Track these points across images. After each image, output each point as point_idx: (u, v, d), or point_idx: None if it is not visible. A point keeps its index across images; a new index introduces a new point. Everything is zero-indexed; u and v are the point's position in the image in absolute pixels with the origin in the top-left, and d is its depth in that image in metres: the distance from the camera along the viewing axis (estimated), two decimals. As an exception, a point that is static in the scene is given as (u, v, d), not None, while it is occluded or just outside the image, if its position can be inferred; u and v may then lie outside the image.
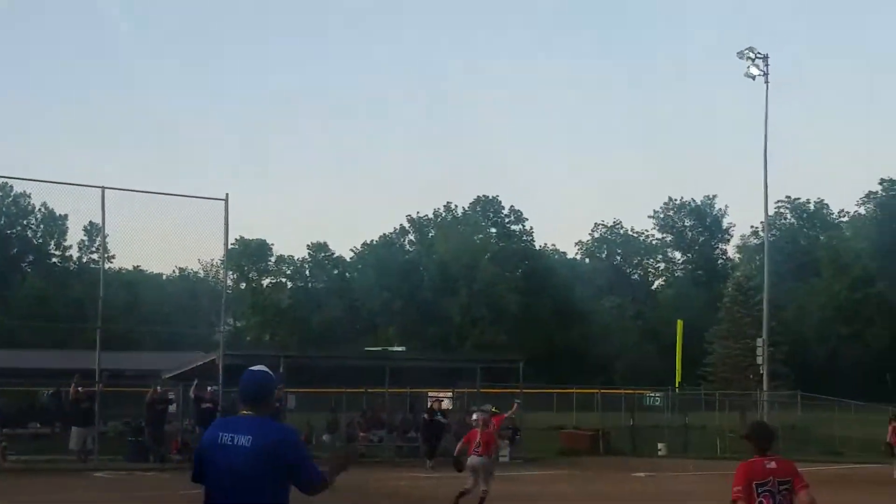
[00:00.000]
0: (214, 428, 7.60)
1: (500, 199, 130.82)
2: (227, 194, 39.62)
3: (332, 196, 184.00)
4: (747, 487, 10.14)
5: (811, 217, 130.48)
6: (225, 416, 39.90)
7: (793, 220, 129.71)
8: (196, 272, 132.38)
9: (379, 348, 77.05)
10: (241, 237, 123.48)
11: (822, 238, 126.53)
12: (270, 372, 7.69)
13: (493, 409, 36.20)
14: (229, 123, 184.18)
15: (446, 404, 50.07)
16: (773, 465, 10.26)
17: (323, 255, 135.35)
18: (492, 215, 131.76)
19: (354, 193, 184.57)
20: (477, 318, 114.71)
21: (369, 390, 50.46)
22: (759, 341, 73.25)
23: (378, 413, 48.88)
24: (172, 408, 42.83)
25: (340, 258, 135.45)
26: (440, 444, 40.05)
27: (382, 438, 47.29)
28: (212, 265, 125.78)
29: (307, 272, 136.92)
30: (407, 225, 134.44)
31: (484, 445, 23.07)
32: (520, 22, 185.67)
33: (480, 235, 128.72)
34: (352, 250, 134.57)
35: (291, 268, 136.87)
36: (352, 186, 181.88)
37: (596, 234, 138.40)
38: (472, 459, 23.06)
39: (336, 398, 50.80)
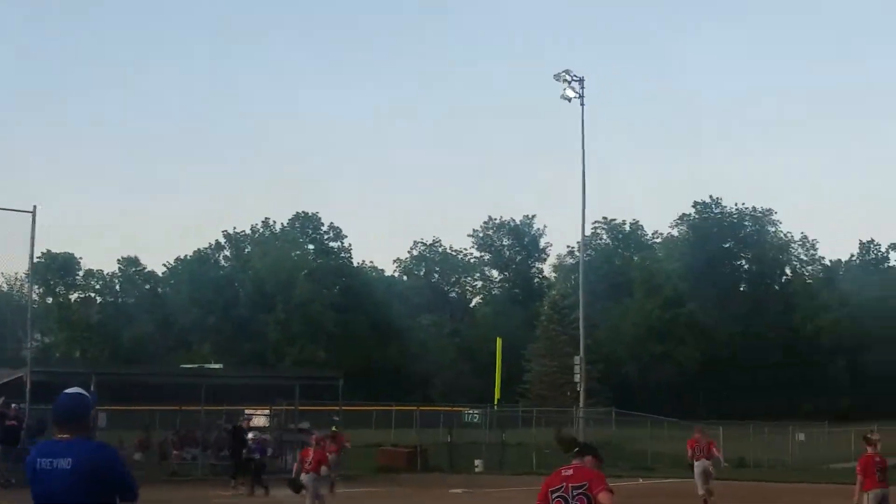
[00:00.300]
0: (33, 454, 7.55)
1: (319, 215, 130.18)
2: (34, 206, 38.57)
3: (143, 210, 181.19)
4: (545, 495, 10.69)
5: (626, 238, 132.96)
6: (30, 433, 39.14)
7: (608, 240, 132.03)
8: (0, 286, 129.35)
9: (195, 365, 75.81)
10: (48, 251, 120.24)
11: (635, 259, 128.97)
12: (86, 393, 7.65)
13: (334, 429, 37.32)
14: (36, 133, 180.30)
15: (261, 421, 49.48)
16: (569, 472, 10.75)
17: (134, 269, 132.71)
18: (310, 232, 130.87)
19: (167, 207, 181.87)
20: (294, 334, 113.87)
21: (183, 408, 49.68)
22: (577, 359, 74.33)
23: (192, 431, 48.06)
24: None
25: (152, 273, 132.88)
26: (249, 462, 39.81)
27: (196, 457, 46.53)
28: (16, 279, 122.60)
29: (117, 287, 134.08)
30: (223, 240, 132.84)
31: (315, 463, 24.29)
32: (341, 49, 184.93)
33: (298, 252, 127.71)
34: (164, 265, 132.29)
35: (101, 282, 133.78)
36: (165, 200, 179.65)
37: (414, 252, 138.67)
38: (304, 477, 24.49)
39: (149, 416, 49.90)
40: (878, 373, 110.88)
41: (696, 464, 31.60)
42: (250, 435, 43.48)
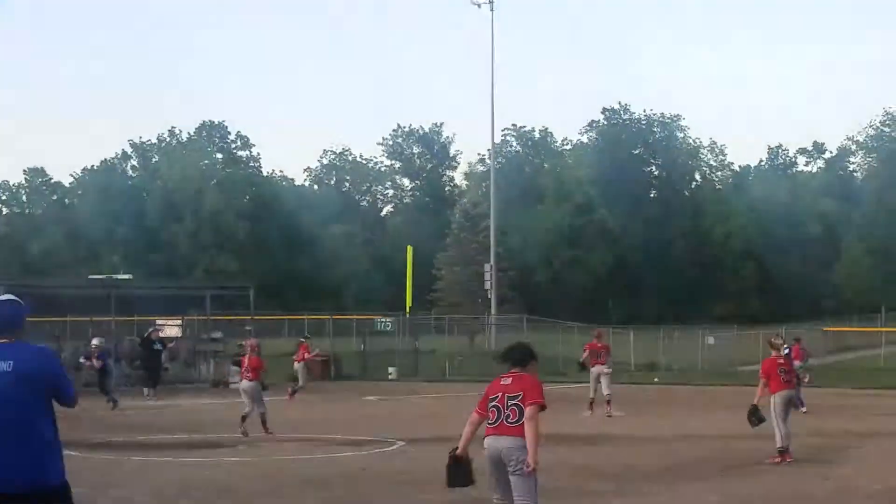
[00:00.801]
0: None
1: (226, 124, 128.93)
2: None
3: (47, 120, 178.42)
4: (484, 401, 10.57)
5: (536, 145, 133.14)
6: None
7: (519, 147, 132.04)
8: None
9: (104, 276, 75.13)
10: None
11: (546, 166, 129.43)
12: (18, 300, 7.93)
13: (305, 337, 39.07)
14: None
15: (174, 331, 49.47)
16: (508, 381, 10.54)
17: (40, 180, 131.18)
18: (218, 141, 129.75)
19: (71, 117, 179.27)
20: (204, 245, 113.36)
21: (94, 319, 49.48)
22: (487, 266, 74.82)
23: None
24: None
25: (59, 184, 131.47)
26: (160, 372, 39.78)
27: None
28: None
29: (24, 198, 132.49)
30: (129, 150, 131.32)
31: (252, 371, 24.98)
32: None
33: (206, 161, 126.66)
34: (71, 175, 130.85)
35: (6, 193, 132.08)
36: (69, 109, 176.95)
37: (324, 161, 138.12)
38: (242, 384, 25.45)
39: (60, 327, 49.69)
40: (786, 277, 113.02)
41: (592, 369, 32.19)
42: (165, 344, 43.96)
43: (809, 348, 44.93)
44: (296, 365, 41.63)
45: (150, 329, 45.72)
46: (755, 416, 20.99)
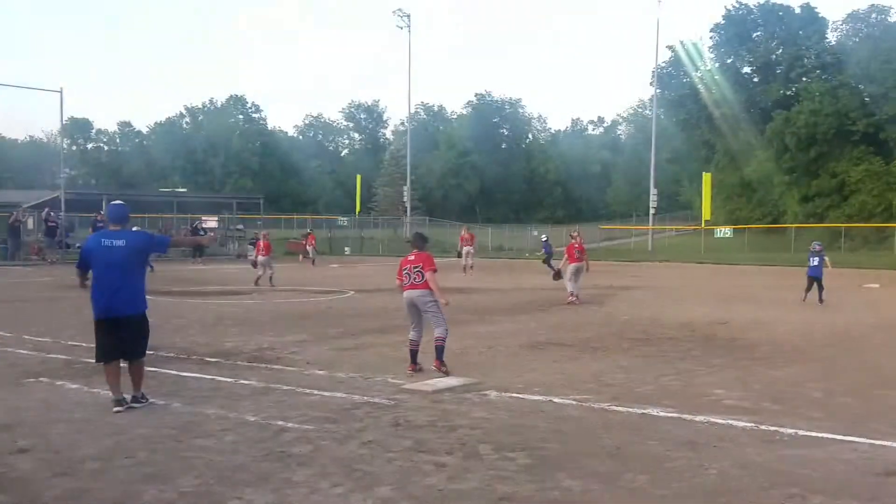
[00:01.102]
0: (97, 237, 8.32)
1: (245, 96, 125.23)
2: (61, 87, 37.36)
3: (138, 79, 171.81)
4: (399, 271, 10.70)
5: (435, 114, 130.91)
6: (65, 231, 38.28)
7: (425, 115, 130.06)
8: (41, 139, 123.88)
9: (168, 189, 73.99)
10: (72, 116, 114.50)
11: (441, 127, 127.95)
12: (125, 204, 8.47)
13: (309, 230, 39.80)
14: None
15: (212, 224, 49.01)
16: (412, 257, 10.67)
17: (128, 129, 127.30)
18: (240, 107, 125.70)
19: (148, 84, 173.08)
20: (231, 171, 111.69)
21: (163, 216, 49.10)
22: (405, 189, 73.81)
23: (168, 229, 47.78)
24: (30, 224, 41.32)
25: (139, 132, 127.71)
26: (205, 249, 39.52)
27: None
28: (52, 134, 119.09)
29: (117, 140, 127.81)
30: (184, 111, 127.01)
31: (265, 249, 25.18)
32: None
33: (232, 119, 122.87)
34: (147, 127, 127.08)
35: (106, 136, 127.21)
36: (146, 78, 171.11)
37: (307, 121, 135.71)
38: (258, 258, 25.51)
39: (140, 222, 49.08)
40: (580, 196, 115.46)
41: (462, 249, 33.06)
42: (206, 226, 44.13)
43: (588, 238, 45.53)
44: (308, 248, 42.29)
45: (196, 221, 45.62)
46: (558, 276, 21.75)
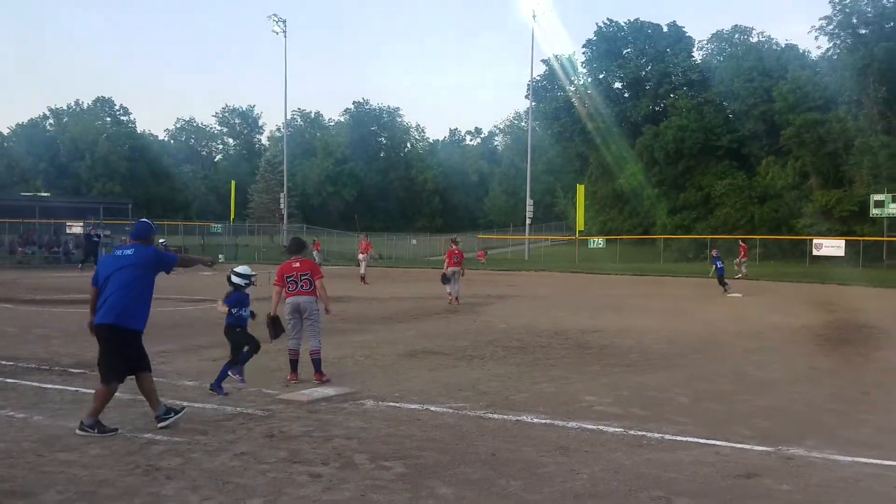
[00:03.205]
0: (117, 248, 8.70)
1: (113, 98, 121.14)
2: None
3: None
4: (281, 278, 10.63)
5: (312, 121, 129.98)
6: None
7: (301, 122, 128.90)
8: None
9: (31, 193, 70.72)
10: None
11: (318, 134, 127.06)
12: (149, 222, 8.61)
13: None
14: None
15: (77, 230, 47.60)
16: (297, 264, 10.69)
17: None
18: (108, 109, 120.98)
19: (8, 85, 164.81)
20: (98, 175, 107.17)
21: (25, 221, 47.17)
22: (282, 195, 73.06)
23: (31, 235, 45.90)
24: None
25: (0, 133, 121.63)
26: (94, 256, 38.25)
27: (34, 252, 44.67)
28: None
29: None
30: (48, 112, 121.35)
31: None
32: None
33: (99, 122, 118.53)
34: (8, 128, 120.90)
35: None
36: (7, 79, 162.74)
37: (178, 125, 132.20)
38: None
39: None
40: (457, 205, 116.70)
41: (359, 256, 33.73)
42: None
43: (466, 247, 46.25)
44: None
45: (90, 227, 44.84)
46: (445, 282, 22.32)
